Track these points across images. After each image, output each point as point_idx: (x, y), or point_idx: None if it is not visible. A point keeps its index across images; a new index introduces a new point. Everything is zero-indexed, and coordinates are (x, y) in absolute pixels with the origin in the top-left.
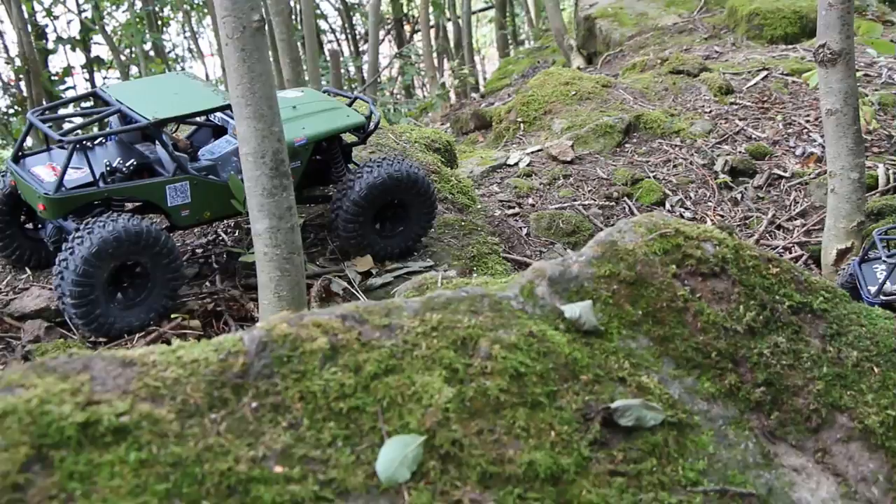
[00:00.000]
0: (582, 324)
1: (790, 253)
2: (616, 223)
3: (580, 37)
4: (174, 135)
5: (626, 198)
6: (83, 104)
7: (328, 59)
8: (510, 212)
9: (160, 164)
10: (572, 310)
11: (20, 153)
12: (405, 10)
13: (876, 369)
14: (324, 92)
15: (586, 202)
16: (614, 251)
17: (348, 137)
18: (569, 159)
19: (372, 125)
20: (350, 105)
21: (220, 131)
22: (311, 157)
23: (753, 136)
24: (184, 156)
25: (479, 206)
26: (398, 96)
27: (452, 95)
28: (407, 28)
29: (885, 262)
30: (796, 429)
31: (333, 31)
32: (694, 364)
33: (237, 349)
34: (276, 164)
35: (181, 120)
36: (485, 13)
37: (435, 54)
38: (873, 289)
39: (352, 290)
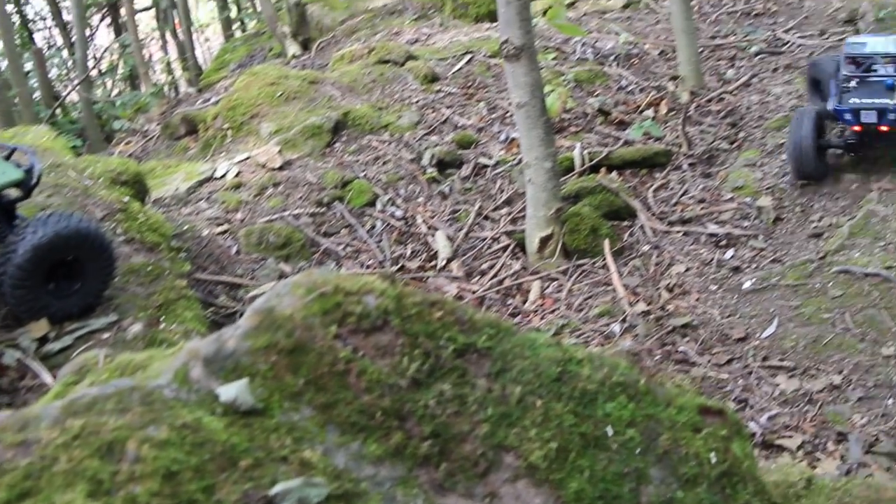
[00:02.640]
0: (239, 405)
1: (498, 243)
2: (275, 286)
3: (293, 23)
4: None
5: (337, 201)
6: None
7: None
8: (219, 229)
9: None
10: (227, 391)
11: None
12: None
13: (538, 402)
14: None
15: (297, 211)
16: (272, 319)
17: (12, 192)
18: (277, 166)
19: (34, 179)
20: (8, 157)
21: None
22: None
23: (460, 123)
24: None
25: (177, 232)
26: (122, 87)
27: (183, 84)
28: (124, 12)
29: None
30: (465, 476)
31: (43, 20)
32: (359, 427)
33: None
34: None
35: None
36: None
37: (158, 34)
38: None
39: (26, 360)
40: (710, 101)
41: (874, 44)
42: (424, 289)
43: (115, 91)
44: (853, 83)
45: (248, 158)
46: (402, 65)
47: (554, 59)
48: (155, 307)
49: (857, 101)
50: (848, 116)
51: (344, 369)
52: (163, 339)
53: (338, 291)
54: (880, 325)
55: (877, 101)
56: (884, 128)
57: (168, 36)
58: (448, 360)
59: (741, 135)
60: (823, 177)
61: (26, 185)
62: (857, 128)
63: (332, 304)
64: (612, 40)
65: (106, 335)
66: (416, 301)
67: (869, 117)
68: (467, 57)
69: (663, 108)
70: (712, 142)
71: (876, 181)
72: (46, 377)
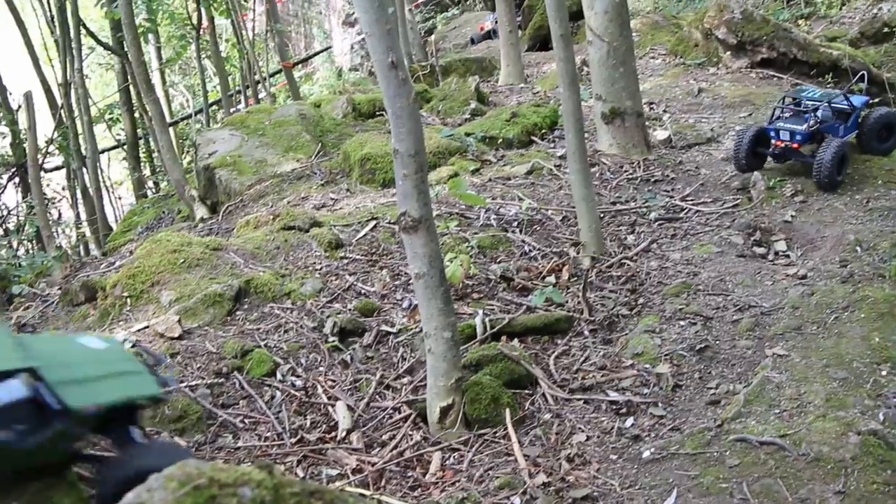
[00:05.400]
0: None
1: (400, 413)
2: (148, 480)
3: (202, 187)
4: None
5: (236, 372)
6: None
7: None
8: None
9: None
10: None
11: None
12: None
13: None
14: (133, 347)
15: (194, 382)
16: None
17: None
18: (176, 335)
19: (168, 395)
20: (154, 368)
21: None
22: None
23: (363, 290)
24: None
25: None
26: (28, 247)
27: (92, 245)
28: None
29: None
30: None
31: None
32: None
33: None
34: None
35: None
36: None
37: (68, 194)
38: None
39: None
40: (610, 266)
41: (808, 93)
42: (324, 461)
43: (22, 251)
44: (787, 113)
45: (146, 328)
46: (307, 231)
47: (457, 225)
48: (30, 494)
49: (780, 125)
50: (772, 134)
51: None
52: None
53: (212, 484)
54: (776, 495)
55: (792, 126)
56: (794, 145)
57: (79, 195)
58: None
59: (641, 301)
60: (753, 170)
61: (158, 401)
62: (778, 143)
63: (206, 497)
64: (515, 206)
65: None
66: (294, 491)
67: (785, 136)
68: (372, 223)
69: (565, 274)
70: (613, 308)
71: (770, 347)
72: None
